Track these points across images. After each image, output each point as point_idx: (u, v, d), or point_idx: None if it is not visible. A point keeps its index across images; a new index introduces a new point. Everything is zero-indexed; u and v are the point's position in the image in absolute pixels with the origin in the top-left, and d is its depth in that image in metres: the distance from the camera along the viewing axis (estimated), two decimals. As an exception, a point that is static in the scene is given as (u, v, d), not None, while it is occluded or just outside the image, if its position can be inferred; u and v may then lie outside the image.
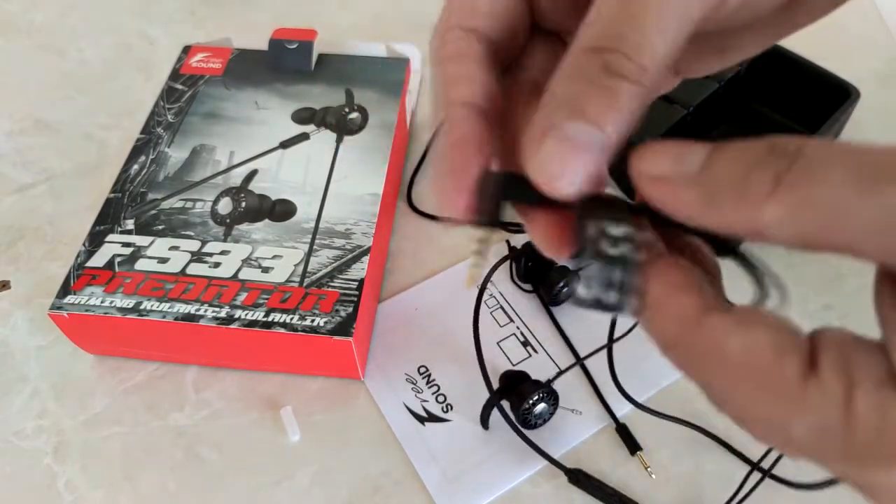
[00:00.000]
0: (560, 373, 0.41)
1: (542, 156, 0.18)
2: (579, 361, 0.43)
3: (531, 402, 0.39)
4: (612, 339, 0.42)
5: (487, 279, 0.43)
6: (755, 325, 0.16)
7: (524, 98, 0.22)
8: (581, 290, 0.18)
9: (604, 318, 0.43)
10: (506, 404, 0.40)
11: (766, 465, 0.39)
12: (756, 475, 0.38)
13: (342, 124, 0.50)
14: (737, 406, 0.17)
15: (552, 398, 0.40)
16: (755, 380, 0.16)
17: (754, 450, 0.40)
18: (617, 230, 0.18)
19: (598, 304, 0.18)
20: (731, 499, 0.38)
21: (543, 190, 0.18)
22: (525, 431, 0.40)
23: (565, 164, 0.18)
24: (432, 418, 0.42)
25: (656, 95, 0.24)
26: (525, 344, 0.44)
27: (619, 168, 0.18)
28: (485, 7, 0.22)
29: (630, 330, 0.43)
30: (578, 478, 0.39)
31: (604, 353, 0.42)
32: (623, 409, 0.42)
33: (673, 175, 0.17)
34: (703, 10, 0.18)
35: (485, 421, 0.40)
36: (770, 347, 0.16)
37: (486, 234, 0.21)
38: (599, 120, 0.18)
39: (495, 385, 0.40)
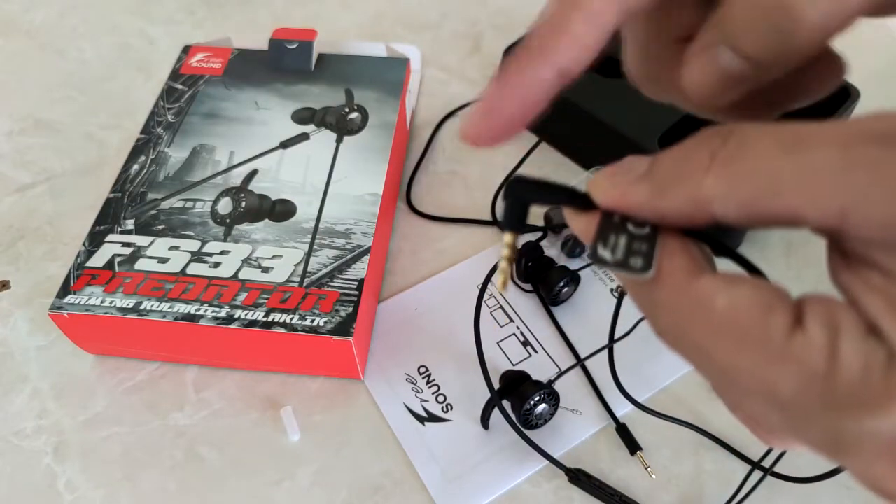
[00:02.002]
0: (561, 373, 0.41)
1: (693, 68, 0.20)
2: (580, 362, 0.43)
3: (532, 402, 0.39)
4: (612, 340, 0.42)
5: (488, 279, 0.43)
6: (742, 284, 0.17)
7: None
8: (603, 251, 0.18)
9: (604, 318, 0.43)
10: (506, 404, 0.40)
11: (766, 463, 0.39)
12: (756, 475, 0.38)
13: (342, 124, 0.50)
14: (721, 367, 0.17)
15: (553, 398, 0.40)
16: (741, 335, 0.16)
17: (754, 449, 0.40)
18: (637, 224, 0.19)
19: (623, 266, 0.18)
20: (732, 498, 0.38)
21: (690, 99, 0.20)
22: (525, 431, 0.40)
23: (704, 80, 0.20)
24: (432, 418, 0.42)
25: None
26: (525, 344, 0.44)
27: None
28: None
29: (630, 330, 0.43)
30: (579, 477, 0.39)
31: (604, 353, 0.42)
32: (623, 409, 0.42)
33: (623, 180, 0.19)
34: None
35: (485, 421, 0.41)
36: (756, 304, 0.16)
37: (513, 238, 0.21)
38: (751, 54, 0.19)
39: (496, 385, 0.40)
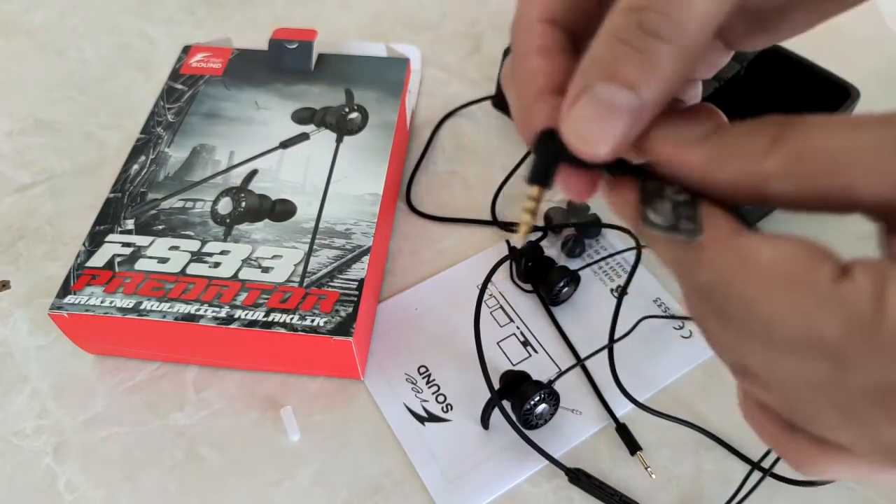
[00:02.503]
0: (561, 373, 0.41)
1: (573, 118, 0.18)
2: (580, 362, 0.43)
3: (532, 402, 0.39)
4: (612, 340, 0.42)
5: (488, 279, 0.43)
6: (787, 238, 0.17)
7: None
8: (654, 217, 0.19)
9: (604, 318, 0.43)
10: (506, 404, 0.40)
11: (766, 464, 0.39)
12: (756, 475, 0.38)
13: (342, 124, 0.50)
14: (765, 316, 0.17)
15: (553, 399, 0.40)
16: (788, 282, 0.17)
17: (755, 450, 0.40)
18: (678, 192, 0.19)
19: (675, 229, 0.18)
20: (732, 498, 0.38)
21: (576, 153, 0.19)
22: (525, 431, 0.40)
23: (596, 126, 0.18)
24: (432, 418, 0.42)
25: (713, 69, 0.24)
26: (525, 344, 0.44)
27: None
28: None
29: (631, 330, 0.43)
30: (579, 477, 0.39)
31: (604, 353, 0.42)
32: (623, 409, 0.42)
33: (688, 137, 0.19)
34: None
35: (485, 421, 0.40)
36: (803, 254, 0.17)
37: (538, 192, 0.21)
38: (633, 82, 0.18)
39: (496, 385, 0.40)
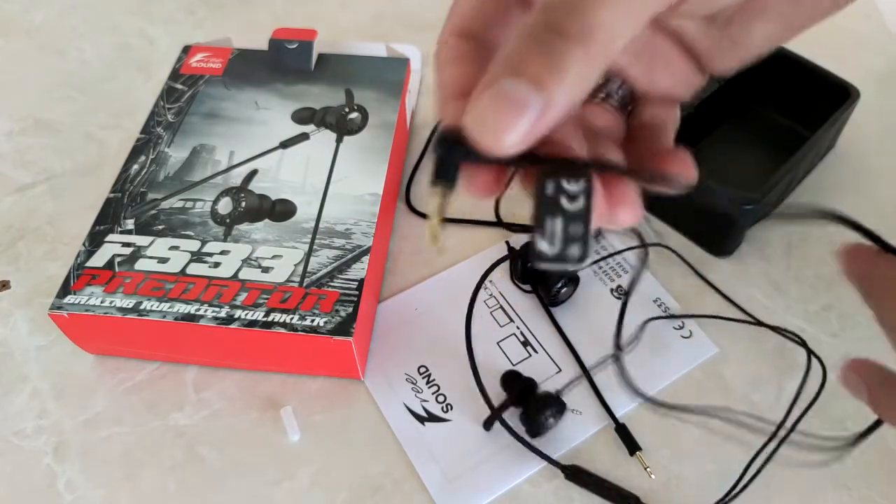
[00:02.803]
0: (568, 383, 0.41)
1: (474, 109, 0.18)
2: (586, 373, 0.43)
3: (543, 417, 0.39)
4: (619, 347, 0.42)
5: (482, 280, 0.43)
6: None
7: None
8: (544, 246, 0.19)
9: (603, 318, 0.43)
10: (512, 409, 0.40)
11: (768, 451, 0.39)
12: (755, 467, 0.38)
13: (342, 124, 0.50)
14: None
15: (561, 410, 0.40)
16: None
17: (755, 446, 0.40)
18: (575, 186, 0.19)
19: (561, 259, 0.18)
20: (732, 490, 0.38)
21: (478, 147, 0.19)
22: (526, 435, 0.40)
23: (496, 119, 0.18)
24: (432, 418, 0.42)
25: (689, 90, 0.24)
26: (525, 344, 0.44)
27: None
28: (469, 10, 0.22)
29: (637, 334, 0.43)
30: (575, 473, 0.38)
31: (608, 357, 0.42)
32: (623, 410, 0.42)
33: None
34: None
35: (488, 426, 0.41)
36: None
37: (444, 189, 0.21)
38: (539, 80, 0.17)
39: (492, 385, 0.40)
